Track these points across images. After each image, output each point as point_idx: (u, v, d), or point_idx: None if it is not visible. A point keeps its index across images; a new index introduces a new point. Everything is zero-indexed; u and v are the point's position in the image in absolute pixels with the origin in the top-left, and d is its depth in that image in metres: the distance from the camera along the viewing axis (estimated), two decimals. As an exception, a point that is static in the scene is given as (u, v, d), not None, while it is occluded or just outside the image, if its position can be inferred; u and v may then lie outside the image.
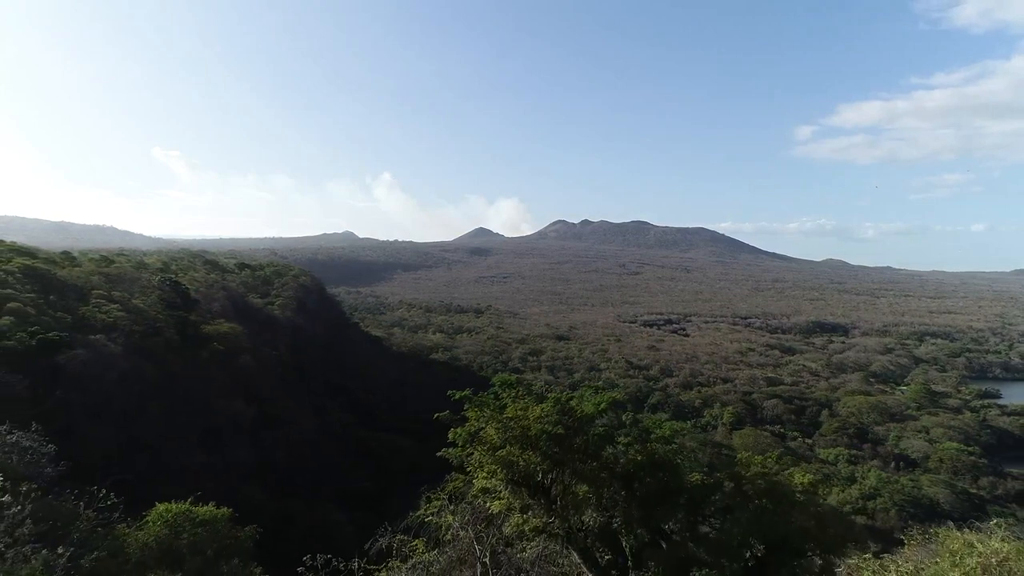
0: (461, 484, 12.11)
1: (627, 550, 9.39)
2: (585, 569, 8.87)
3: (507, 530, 10.13)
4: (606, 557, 9.05)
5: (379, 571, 11.39)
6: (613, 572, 8.92)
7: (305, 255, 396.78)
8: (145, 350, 43.43)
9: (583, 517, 9.77)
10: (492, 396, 11.16)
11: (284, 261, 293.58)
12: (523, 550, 10.03)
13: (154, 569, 11.78)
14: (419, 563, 11.46)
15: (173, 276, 68.00)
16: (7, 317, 34.97)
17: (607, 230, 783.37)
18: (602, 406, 10.47)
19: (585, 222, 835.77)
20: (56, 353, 31.83)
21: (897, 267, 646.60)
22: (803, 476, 9.74)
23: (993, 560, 6.98)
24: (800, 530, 8.78)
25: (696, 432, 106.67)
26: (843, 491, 75.07)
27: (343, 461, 58.84)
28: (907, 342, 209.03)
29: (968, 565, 7.02)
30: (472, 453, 10.46)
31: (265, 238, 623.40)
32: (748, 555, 8.37)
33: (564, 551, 9.48)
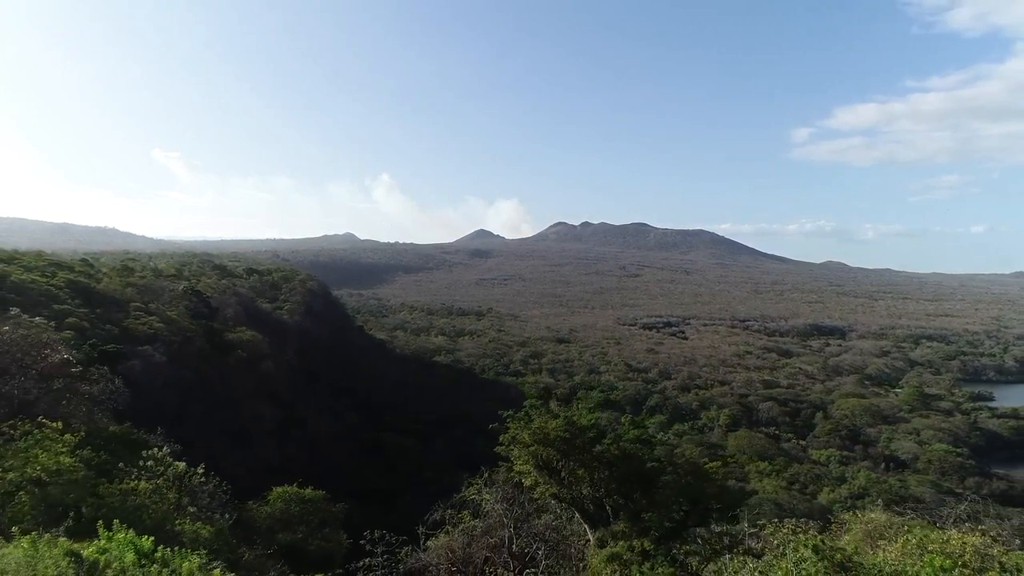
0: (494, 473, 16.46)
1: (608, 509, 14.37)
2: (586, 527, 13.00)
3: (536, 495, 15.52)
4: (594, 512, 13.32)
5: (437, 534, 15.13)
6: (599, 523, 12.74)
7: (307, 257, 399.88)
8: (182, 358, 46.74)
9: (582, 489, 14.96)
10: (525, 413, 16.38)
11: (287, 263, 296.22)
12: (538, 519, 14.13)
13: (277, 533, 15.17)
14: (465, 528, 15.98)
15: (192, 285, 71.25)
16: (68, 331, 38.15)
17: (607, 232, 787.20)
18: (592, 421, 15.59)
19: (585, 224, 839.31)
20: (115, 364, 34.93)
21: (897, 269, 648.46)
22: (713, 463, 13.49)
23: (871, 526, 9.89)
24: (709, 494, 13.73)
25: (693, 434, 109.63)
26: (832, 491, 77.84)
27: (353, 460, 61.90)
28: (903, 345, 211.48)
29: (855, 531, 9.95)
30: (512, 449, 15.73)
31: (266, 239, 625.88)
32: (678, 509, 12.09)
33: (566, 524, 13.48)
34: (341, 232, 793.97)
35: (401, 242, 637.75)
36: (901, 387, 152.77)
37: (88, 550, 7.01)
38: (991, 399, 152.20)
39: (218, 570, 7.30)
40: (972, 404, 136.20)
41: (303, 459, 51.47)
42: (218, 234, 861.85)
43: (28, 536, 7.22)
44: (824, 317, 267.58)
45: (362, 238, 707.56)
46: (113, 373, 25.66)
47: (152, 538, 7.62)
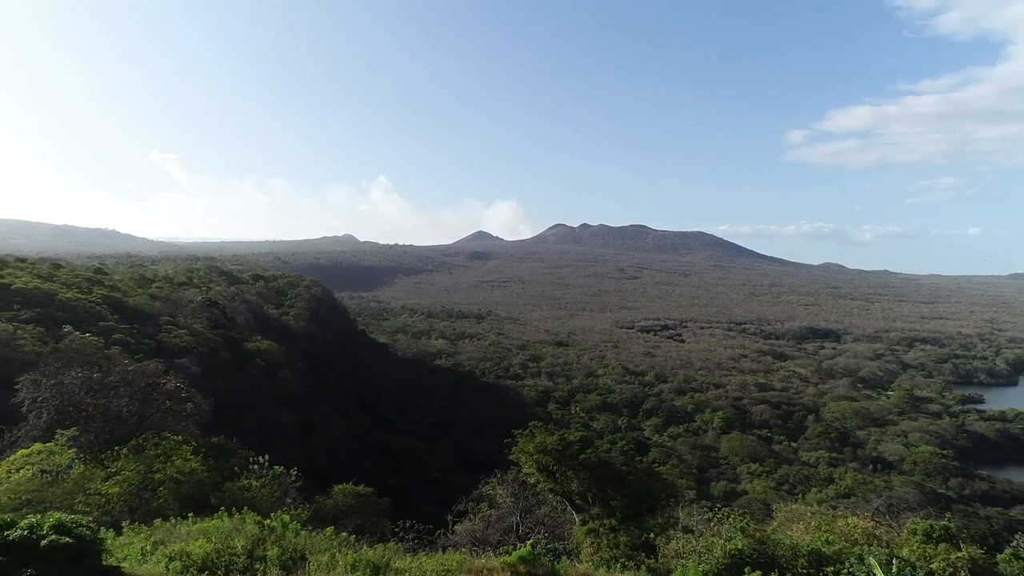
0: (505, 473, 20.48)
1: (589, 499, 18.80)
2: (572, 511, 16.60)
3: (538, 490, 20.30)
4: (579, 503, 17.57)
5: (462, 520, 18.85)
6: (582, 510, 16.49)
7: (307, 259, 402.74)
8: (212, 368, 50.11)
9: (571, 486, 19.18)
10: (530, 431, 20.71)
11: (288, 266, 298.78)
12: (539, 509, 17.86)
13: (341, 520, 18.63)
14: (483, 516, 20.63)
15: (205, 293, 74.64)
16: (116, 347, 41.41)
17: (606, 234, 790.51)
18: (577, 437, 20.00)
19: (584, 225, 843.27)
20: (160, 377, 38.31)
21: (894, 271, 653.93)
22: (663, 467, 17.37)
23: (791, 514, 13.14)
24: (658, 489, 17.47)
25: (688, 436, 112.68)
26: (820, 491, 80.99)
27: (365, 461, 65.05)
28: (897, 348, 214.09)
29: (780, 517, 13.19)
30: (521, 456, 20.13)
31: (266, 241, 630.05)
32: (636, 499, 15.59)
33: (560, 512, 17.29)
34: (341, 234, 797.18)
35: (400, 244, 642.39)
36: (893, 390, 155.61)
37: (267, 521, 10.25)
38: (981, 402, 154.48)
39: (344, 533, 10.44)
40: (961, 407, 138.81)
41: (322, 460, 54.75)
42: (217, 235, 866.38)
43: (221, 512, 10.47)
44: (820, 320, 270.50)
45: (362, 240, 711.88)
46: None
47: (288, 516, 10.86)
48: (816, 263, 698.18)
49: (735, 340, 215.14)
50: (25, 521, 7.01)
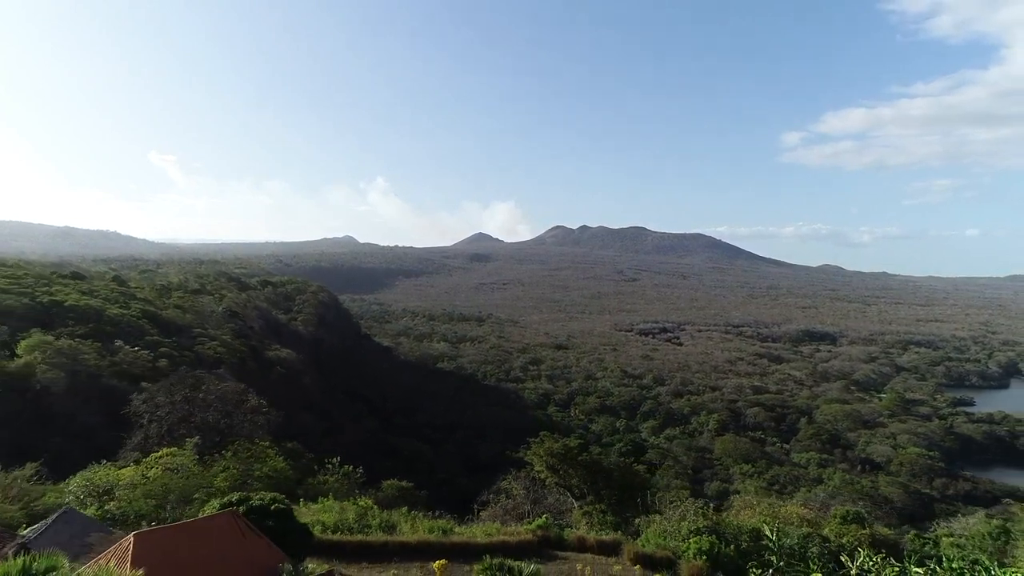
0: (518, 471, 24.47)
1: (585, 490, 21.92)
2: (572, 500, 20.40)
3: (546, 484, 24.67)
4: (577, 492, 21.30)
5: (484, 509, 22.88)
6: (580, 498, 20.14)
7: (309, 262, 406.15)
8: (242, 376, 53.64)
9: (572, 480, 23.70)
10: (540, 439, 24.03)
11: (290, 269, 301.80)
12: (546, 499, 21.75)
13: (391, 508, 22.60)
14: (502, 505, 23.95)
15: (224, 303, 78.58)
16: (164, 359, 45.15)
17: (605, 236, 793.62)
18: (576, 443, 22.56)
19: (583, 227, 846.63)
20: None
21: (893, 272, 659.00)
22: (640, 467, 21.63)
23: (744, 503, 16.83)
24: (636, 483, 20.50)
25: (683, 438, 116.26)
26: (809, 491, 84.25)
27: (377, 463, 68.63)
28: (891, 351, 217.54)
29: (736, 506, 16.85)
30: (533, 458, 24.76)
31: (266, 243, 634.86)
32: (620, 489, 19.27)
33: (563, 501, 21.17)
34: (341, 235, 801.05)
35: (400, 246, 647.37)
36: (885, 392, 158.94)
37: (360, 502, 14.05)
38: (972, 404, 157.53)
39: (414, 512, 14.21)
40: (951, 409, 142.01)
41: (342, 462, 58.64)
42: (217, 236, 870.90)
43: (331, 497, 14.30)
44: (817, 322, 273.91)
45: (362, 241, 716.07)
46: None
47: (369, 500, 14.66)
48: (815, 264, 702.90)
49: (732, 343, 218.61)
50: (256, 496, 10.82)
